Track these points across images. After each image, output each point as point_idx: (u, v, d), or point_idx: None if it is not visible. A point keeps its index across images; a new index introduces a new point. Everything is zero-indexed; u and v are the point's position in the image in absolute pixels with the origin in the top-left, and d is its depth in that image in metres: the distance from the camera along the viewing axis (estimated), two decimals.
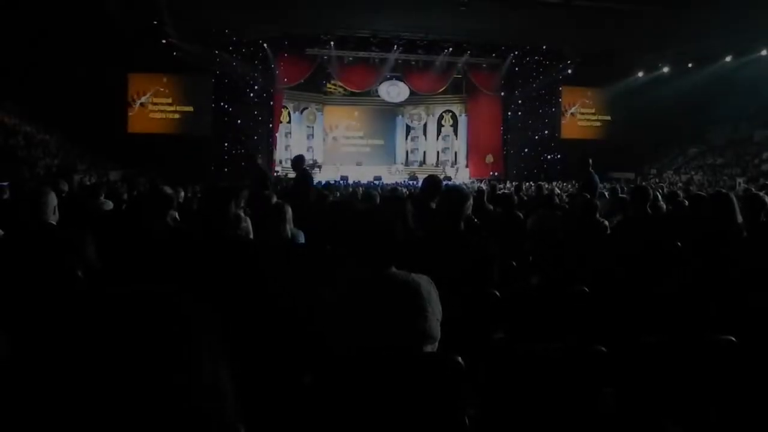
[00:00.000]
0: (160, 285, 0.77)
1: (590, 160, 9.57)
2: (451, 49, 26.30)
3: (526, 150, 28.51)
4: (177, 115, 26.13)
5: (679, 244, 4.79)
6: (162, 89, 25.93)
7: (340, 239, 2.98)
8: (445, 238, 3.37)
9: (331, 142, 32.05)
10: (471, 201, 3.59)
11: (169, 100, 26.04)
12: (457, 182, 22.65)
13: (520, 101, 28.40)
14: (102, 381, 0.64)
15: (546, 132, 28.56)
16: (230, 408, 0.73)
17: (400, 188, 14.23)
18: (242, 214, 4.68)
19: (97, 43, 20.62)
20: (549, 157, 28.37)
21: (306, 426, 2.25)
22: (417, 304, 2.28)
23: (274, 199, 5.48)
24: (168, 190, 4.60)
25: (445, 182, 9.89)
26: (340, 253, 2.98)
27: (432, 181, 5.58)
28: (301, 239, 4.70)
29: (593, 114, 29.50)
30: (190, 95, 26.05)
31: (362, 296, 2.31)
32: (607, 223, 5.97)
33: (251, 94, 25.61)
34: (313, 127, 31.33)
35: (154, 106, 25.94)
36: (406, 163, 32.16)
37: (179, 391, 0.67)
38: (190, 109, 26.06)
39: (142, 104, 25.75)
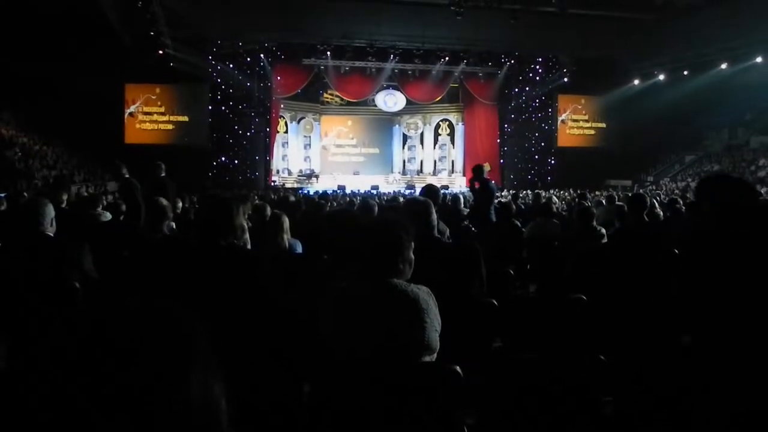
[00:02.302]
0: (158, 298, 0.76)
1: (484, 168, 8.97)
2: (447, 58, 26.41)
3: (523, 158, 28.57)
4: (170, 126, 26.09)
5: (676, 251, 4.79)
6: (153, 98, 25.89)
7: (343, 249, 2.96)
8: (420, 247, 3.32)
9: (329, 151, 32.07)
10: (433, 209, 3.54)
11: (162, 110, 26.01)
12: (455, 190, 22.68)
13: (516, 110, 28.50)
14: (97, 394, 0.63)
15: (542, 140, 28.64)
16: (223, 425, 0.73)
17: (399, 198, 14.24)
18: (245, 225, 4.67)
19: (95, 54, 20.65)
20: (546, 165, 28.44)
21: None
22: (416, 314, 2.27)
23: (268, 210, 5.47)
24: (163, 201, 4.61)
25: (443, 191, 9.81)
26: (340, 263, 2.97)
27: (430, 190, 5.57)
28: (299, 249, 4.70)
29: (587, 121, 29.56)
30: (187, 105, 26.06)
31: (361, 306, 2.30)
32: (604, 231, 5.98)
33: (248, 105, 25.67)
34: (310, 137, 31.36)
35: (145, 116, 25.89)
36: (403, 172, 32.19)
37: (173, 407, 0.66)
38: (186, 119, 26.05)
39: (131, 114, 25.72)
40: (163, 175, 7.94)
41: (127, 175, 7.69)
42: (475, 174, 8.77)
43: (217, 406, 0.72)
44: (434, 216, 3.48)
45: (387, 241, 2.38)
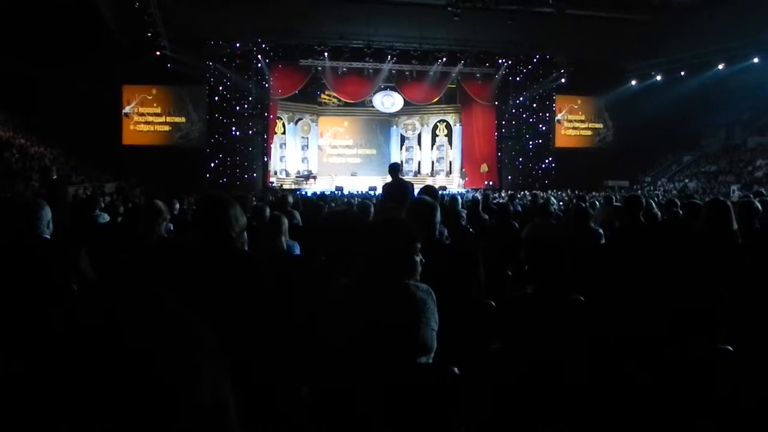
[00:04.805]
0: (164, 293, 0.75)
1: (399, 167, 8.57)
2: (444, 59, 26.40)
3: (520, 159, 28.59)
4: (167, 127, 26.08)
5: (674, 251, 4.80)
6: (149, 98, 25.91)
7: (345, 250, 2.94)
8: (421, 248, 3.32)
9: (325, 152, 32.05)
10: (438, 211, 3.53)
11: (158, 110, 26.01)
12: (453, 191, 22.67)
13: (514, 110, 28.50)
14: (101, 394, 0.63)
15: (540, 141, 28.68)
16: (232, 425, 0.72)
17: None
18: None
19: (93, 55, 20.64)
20: (543, 165, 28.48)
21: None
22: (413, 312, 2.27)
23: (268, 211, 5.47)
24: (159, 203, 4.60)
25: (440, 192, 9.73)
26: (340, 263, 2.95)
27: (428, 191, 5.58)
28: (297, 251, 4.70)
29: (582, 122, 29.61)
30: (184, 107, 26.07)
31: (359, 303, 2.30)
32: (602, 231, 5.99)
33: (245, 105, 25.66)
34: (307, 138, 31.32)
35: (140, 117, 25.88)
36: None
37: (180, 407, 0.65)
38: (183, 120, 26.06)
39: (126, 114, 25.69)
40: (54, 177, 8.28)
41: (55, 176, 8.15)
42: (389, 171, 8.26)
43: (226, 406, 0.72)
44: (438, 218, 3.48)
45: (397, 242, 2.37)
